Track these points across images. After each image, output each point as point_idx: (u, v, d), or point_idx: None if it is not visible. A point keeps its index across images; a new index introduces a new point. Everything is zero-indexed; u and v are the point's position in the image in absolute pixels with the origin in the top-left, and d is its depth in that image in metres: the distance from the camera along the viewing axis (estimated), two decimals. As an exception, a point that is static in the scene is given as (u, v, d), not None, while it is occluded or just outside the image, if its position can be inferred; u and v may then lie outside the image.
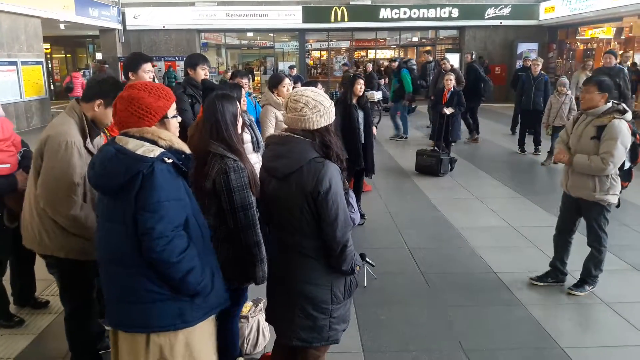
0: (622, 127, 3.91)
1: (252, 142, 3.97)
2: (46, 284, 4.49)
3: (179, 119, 2.35)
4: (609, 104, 4.03)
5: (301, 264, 2.41)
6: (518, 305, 4.12)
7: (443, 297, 4.27)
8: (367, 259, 4.48)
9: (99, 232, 2.25)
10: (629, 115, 4.01)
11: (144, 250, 2.07)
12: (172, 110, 2.27)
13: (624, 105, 4.06)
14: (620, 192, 4.15)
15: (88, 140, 2.88)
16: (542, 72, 10.08)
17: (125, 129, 2.18)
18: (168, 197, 2.08)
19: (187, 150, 2.24)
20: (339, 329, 2.51)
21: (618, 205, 4.20)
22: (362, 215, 6.14)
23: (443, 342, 3.63)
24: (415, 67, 13.01)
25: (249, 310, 3.46)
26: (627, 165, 4.10)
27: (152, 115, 2.18)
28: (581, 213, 4.27)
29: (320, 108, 2.32)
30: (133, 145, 2.09)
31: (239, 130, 2.85)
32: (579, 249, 4.43)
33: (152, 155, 2.07)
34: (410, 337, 3.68)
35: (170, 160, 2.13)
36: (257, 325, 3.48)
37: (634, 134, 4.05)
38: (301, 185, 2.27)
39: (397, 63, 14.28)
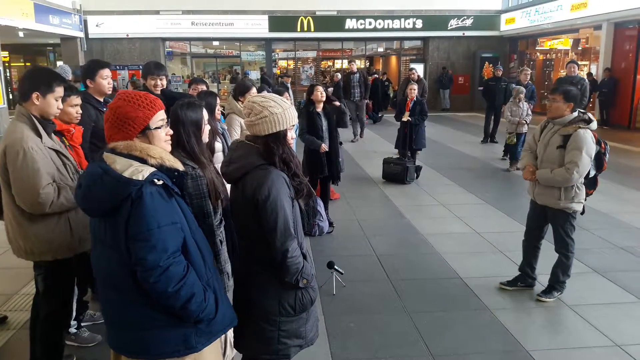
0: (587, 136, 3.95)
1: (224, 151, 3.95)
2: (5, 299, 4.33)
3: (170, 130, 2.18)
4: (575, 113, 4.05)
5: (253, 272, 2.40)
6: (484, 310, 4.19)
7: (411, 304, 4.30)
8: (336, 267, 4.48)
9: (93, 251, 2.11)
10: (594, 125, 4.05)
11: (139, 280, 1.93)
12: (155, 120, 2.07)
13: (589, 115, 4.08)
14: (585, 200, 4.22)
15: (45, 137, 2.92)
16: (529, 82, 10.39)
17: (111, 141, 2.02)
18: (160, 223, 1.91)
19: (181, 167, 2.07)
20: (289, 344, 2.42)
21: (582, 212, 4.28)
22: (330, 224, 6.16)
23: (411, 348, 3.65)
24: None
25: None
26: (593, 173, 4.14)
27: (130, 127, 2.00)
28: (548, 220, 4.34)
29: (266, 114, 2.25)
30: (121, 165, 1.92)
31: (205, 139, 2.83)
32: (545, 254, 4.53)
33: (140, 178, 1.89)
34: (379, 345, 3.69)
35: (160, 182, 1.95)
36: (224, 337, 3.42)
37: (598, 142, 4.09)
38: (244, 191, 2.29)
39: None
